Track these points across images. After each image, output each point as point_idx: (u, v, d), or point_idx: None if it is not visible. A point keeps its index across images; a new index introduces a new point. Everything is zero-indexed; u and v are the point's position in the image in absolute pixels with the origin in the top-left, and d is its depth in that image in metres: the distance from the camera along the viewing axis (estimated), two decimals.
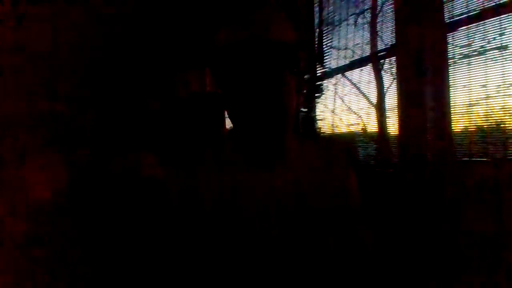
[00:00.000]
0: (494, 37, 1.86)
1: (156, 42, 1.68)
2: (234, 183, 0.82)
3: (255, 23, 0.75)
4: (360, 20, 2.77)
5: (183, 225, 0.82)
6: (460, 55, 2.03)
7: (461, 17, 2.01)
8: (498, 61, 1.85)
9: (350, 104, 2.88)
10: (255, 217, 0.79)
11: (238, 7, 0.79)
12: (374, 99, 2.64)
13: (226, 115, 2.03)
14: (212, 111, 1.89)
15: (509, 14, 1.79)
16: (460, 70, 2.04)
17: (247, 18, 0.76)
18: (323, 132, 3.16)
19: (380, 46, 2.60)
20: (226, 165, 0.84)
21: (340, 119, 2.99)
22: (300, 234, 0.80)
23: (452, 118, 2.07)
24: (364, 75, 2.73)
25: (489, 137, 1.90)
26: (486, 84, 1.90)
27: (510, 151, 1.80)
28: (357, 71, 2.81)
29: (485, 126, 1.94)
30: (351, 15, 2.87)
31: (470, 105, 2.00)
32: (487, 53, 1.89)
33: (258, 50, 0.73)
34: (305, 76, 3.19)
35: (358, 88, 2.79)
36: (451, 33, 2.07)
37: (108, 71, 1.54)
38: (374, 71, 2.61)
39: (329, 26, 3.13)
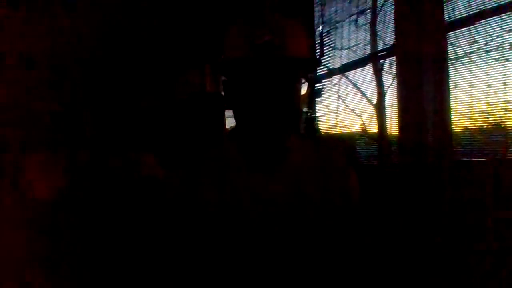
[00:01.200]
0: (492, 39, 1.87)
1: (156, 42, 1.68)
2: (234, 183, 0.82)
3: (267, 29, 0.74)
4: (360, 20, 2.78)
5: (183, 225, 0.82)
6: (460, 55, 2.03)
7: (461, 16, 2.02)
8: (498, 61, 1.85)
9: (350, 104, 2.88)
10: (256, 217, 0.79)
11: (248, 11, 0.78)
12: (374, 99, 2.64)
13: (226, 115, 2.03)
14: (212, 111, 1.89)
15: (509, 13, 1.79)
16: (460, 70, 2.04)
17: (258, 23, 0.75)
18: (324, 132, 3.16)
19: (380, 46, 2.60)
20: (227, 165, 0.84)
21: (340, 119, 3.00)
22: (300, 234, 0.80)
23: (452, 118, 2.07)
24: (364, 75, 2.73)
25: (489, 137, 1.90)
26: (486, 84, 1.90)
27: (510, 151, 1.80)
28: (357, 71, 2.81)
29: (485, 126, 1.95)
30: (351, 15, 2.87)
31: (470, 105, 2.00)
32: (487, 53, 1.89)
33: (270, 58, 0.73)
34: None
35: (358, 88, 2.79)
36: (451, 33, 2.07)
37: (109, 71, 1.54)
38: (374, 71, 2.61)
39: (329, 27, 3.13)
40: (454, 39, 2.06)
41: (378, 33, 2.61)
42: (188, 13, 1.79)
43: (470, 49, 1.97)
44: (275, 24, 0.76)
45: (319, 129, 3.18)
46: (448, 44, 2.08)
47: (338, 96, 3.00)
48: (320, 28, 3.21)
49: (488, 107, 1.91)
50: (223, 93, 0.85)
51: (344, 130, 2.96)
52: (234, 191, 0.82)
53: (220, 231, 0.80)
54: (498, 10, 1.83)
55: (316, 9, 3.25)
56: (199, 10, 1.80)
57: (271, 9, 0.74)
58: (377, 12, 2.61)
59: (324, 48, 3.17)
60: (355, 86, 2.82)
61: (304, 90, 0.80)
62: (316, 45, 3.25)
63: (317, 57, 3.18)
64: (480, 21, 1.92)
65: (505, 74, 1.82)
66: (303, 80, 0.79)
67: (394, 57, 2.39)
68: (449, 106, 2.07)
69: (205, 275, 0.81)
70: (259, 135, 0.79)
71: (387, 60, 2.53)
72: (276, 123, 0.76)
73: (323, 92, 3.20)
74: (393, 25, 2.38)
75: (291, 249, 0.81)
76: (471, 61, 1.97)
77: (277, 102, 0.75)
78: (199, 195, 0.83)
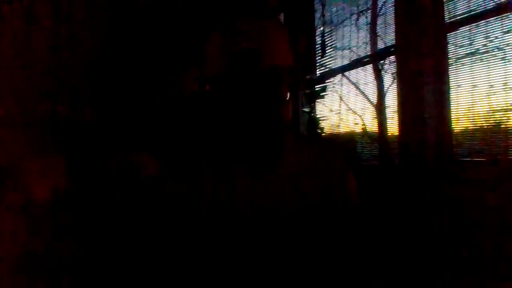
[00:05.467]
0: (493, 39, 1.87)
1: (156, 42, 1.68)
2: (231, 184, 0.82)
3: (244, 40, 0.72)
4: (360, 21, 2.78)
5: (180, 225, 0.82)
6: (460, 55, 2.03)
7: (461, 17, 2.01)
8: (498, 61, 1.85)
9: (350, 104, 2.88)
10: (252, 218, 0.80)
11: (228, 18, 0.76)
12: (374, 99, 2.65)
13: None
14: (212, 111, 1.89)
15: (510, 14, 1.79)
16: (460, 70, 2.04)
17: (234, 33, 0.73)
18: (324, 132, 3.16)
19: (380, 46, 2.60)
20: (224, 166, 0.84)
21: (340, 119, 3.00)
22: (297, 235, 0.80)
23: (452, 118, 2.07)
24: (364, 75, 2.73)
25: (489, 137, 1.90)
26: (486, 84, 1.90)
27: (510, 151, 1.80)
28: (357, 71, 2.81)
29: (485, 126, 1.94)
30: (351, 15, 2.87)
31: (470, 105, 2.00)
32: (487, 53, 1.89)
33: (253, 74, 0.71)
34: (307, 77, 3.19)
35: (358, 88, 2.79)
36: (451, 33, 2.07)
37: (108, 71, 1.55)
38: (374, 71, 2.61)
39: (330, 27, 3.13)
40: (454, 39, 2.06)
41: (378, 33, 2.61)
42: (189, 13, 1.79)
43: (470, 49, 1.97)
44: (253, 30, 0.73)
45: (322, 129, 3.18)
46: (448, 44, 2.08)
47: (339, 96, 3.00)
48: (322, 28, 3.21)
49: (488, 107, 1.91)
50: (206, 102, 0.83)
51: (345, 130, 2.96)
52: (231, 192, 0.82)
53: (216, 231, 0.80)
54: (498, 10, 1.83)
55: (316, 9, 3.25)
56: (197, 10, 1.80)
57: (252, 18, 0.71)
58: (377, 12, 2.61)
59: (325, 48, 3.17)
60: (356, 86, 2.82)
61: (288, 93, 0.77)
62: (317, 45, 3.25)
63: (315, 58, 3.17)
64: (481, 21, 1.91)
65: (505, 74, 1.82)
66: (289, 82, 0.77)
67: (394, 57, 2.39)
68: (449, 106, 2.07)
69: (201, 274, 0.82)
70: (248, 141, 0.78)
71: (387, 60, 2.53)
72: (266, 129, 0.75)
73: (324, 93, 3.20)
74: (393, 25, 2.38)
75: (288, 250, 0.81)
76: (471, 61, 1.97)
77: (260, 111, 0.72)
78: (196, 195, 0.83)
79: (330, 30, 3.12)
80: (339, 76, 3.00)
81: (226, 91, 0.74)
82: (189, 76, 1.81)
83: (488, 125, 1.92)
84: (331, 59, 3.10)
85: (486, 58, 1.90)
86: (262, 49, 0.72)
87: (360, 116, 2.78)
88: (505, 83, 1.82)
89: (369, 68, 2.67)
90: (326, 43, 3.16)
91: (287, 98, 0.76)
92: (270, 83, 0.72)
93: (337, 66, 3.02)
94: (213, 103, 0.79)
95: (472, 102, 1.98)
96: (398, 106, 2.31)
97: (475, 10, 1.94)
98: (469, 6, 1.97)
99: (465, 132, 2.04)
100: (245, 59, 0.71)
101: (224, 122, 0.79)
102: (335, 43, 3.06)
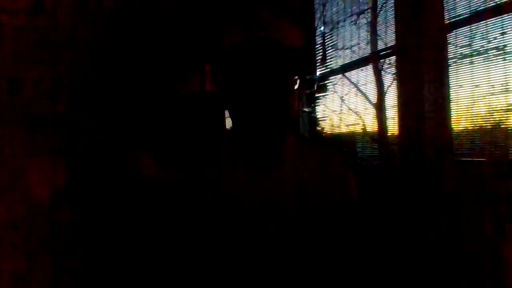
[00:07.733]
0: (490, 39, 1.87)
1: (157, 42, 1.68)
2: (232, 183, 0.82)
3: (263, 24, 0.75)
4: (360, 21, 2.78)
5: (181, 224, 0.82)
6: (460, 55, 2.03)
7: (461, 17, 2.02)
8: (498, 61, 1.85)
9: (350, 104, 2.88)
10: (253, 217, 0.80)
11: (245, 7, 0.79)
12: (374, 99, 2.65)
13: (226, 115, 2.03)
14: (212, 111, 1.89)
15: (510, 14, 1.79)
16: (460, 70, 2.04)
17: (254, 19, 0.76)
18: (325, 132, 3.17)
19: (380, 46, 2.60)
20: (225, 165, 0.84)
21: (340, 119, 3.00)
22: (298, 234, 0.81)
23: (452, 118, 2.08)
24: (365, 75, 2.73)
25: (489, 137, 1.90)
26: (486, 84, 1.90)
27: (510, 151, 1.80)
28: (357, 71, 2.81)
29: (485, 126, 1.94)
30: (351, 15, 2.87)
31: (470, 105, 2.00)
32: (487, 53, 1.89)
33: (265, 52, 0.73)
34: (308, 77, 3.19)
35: (358, 88, 2.79)
36: (451, 33, 2.07)
37: (109, 71, 1.55)
38: (374, 71, 2.61)
39: (330, 27, 3.13)
40: (454, 39, 2.06)
41: (378, 33, 2.61)
42: (191, 11, 1.79)
43: (470, 49, 1.97)
44: (271, 21, 0.76)
45: (322, 129, 3.19)
46: (448, 44, 2.08)
47: (339, 96, 3.00)
48: (322, 28, 3.21)
49: (488, 107, 1.91)
50: (218, 92, 0.84)
51: (345, 130, 2.96)
52: (232, 192, 0.82)
53: (218, 230, 0.81)
54: (498, 10, 1.83)
55: (316, 9, 3.25)
56: (203, 8, 1.80)
57: (269, 7, 0.74)
58: (377, 12, 2.61)
59: (326, 48, 3.17)
60: (356, 86, 2.82)
61: (297, 87, 0.79)
62: (317, 45, 3.25)
63: (315, 58, 3.18)
64: (481, 21, 1.92)
65: (505, 74, 1.82)
66: (297, 78, 0.78)
67: (394, 57, 2.39)
68: (449, 106, 2.07)
69: (203, 273, 0.82)
70: (255, 133, 0.78)
71: (387, 60, 2.53)
72: (271, 119, 0.76)
73: (324, 93, 3.21)
74: (393, 25, 2.38)
75: (289, 248, 0.81)
76: (471, 61, 1.97)
77: (271, 96, 0.74)
78: (197, 195, 0.83)
79: (330, 30, 3.12)
80: (339, 76, 3.00)
81: (236, 69, 0.75)
82: (190, 76, 1.81)
83: (488, 125, 1.92)
84: (331, 59, 3.10)
85: (486, 58, 1.90)
86: (278, 40, 0.74)
87: (360, 116, 2.78)
88: (505, 82, 1.82)
89: (369, 68, 2.67)
90: (326, 43, 3.16)
91: (295, 88, 0.77)
92: (280, 69, 0.74)
93: (337, 66, 3.03)
94: (219, 95, 0.80)
95: (472, 102, 1.98)
96: (398, 106, 2.31)
97: (475, 10, 1.94)
98: (469, 6, 1.97)
99: (465, 132, 2.04)
100: (260, 45, 0.72)
101: (227, 116, 0.80)
102: (335, 43, 3.07)
